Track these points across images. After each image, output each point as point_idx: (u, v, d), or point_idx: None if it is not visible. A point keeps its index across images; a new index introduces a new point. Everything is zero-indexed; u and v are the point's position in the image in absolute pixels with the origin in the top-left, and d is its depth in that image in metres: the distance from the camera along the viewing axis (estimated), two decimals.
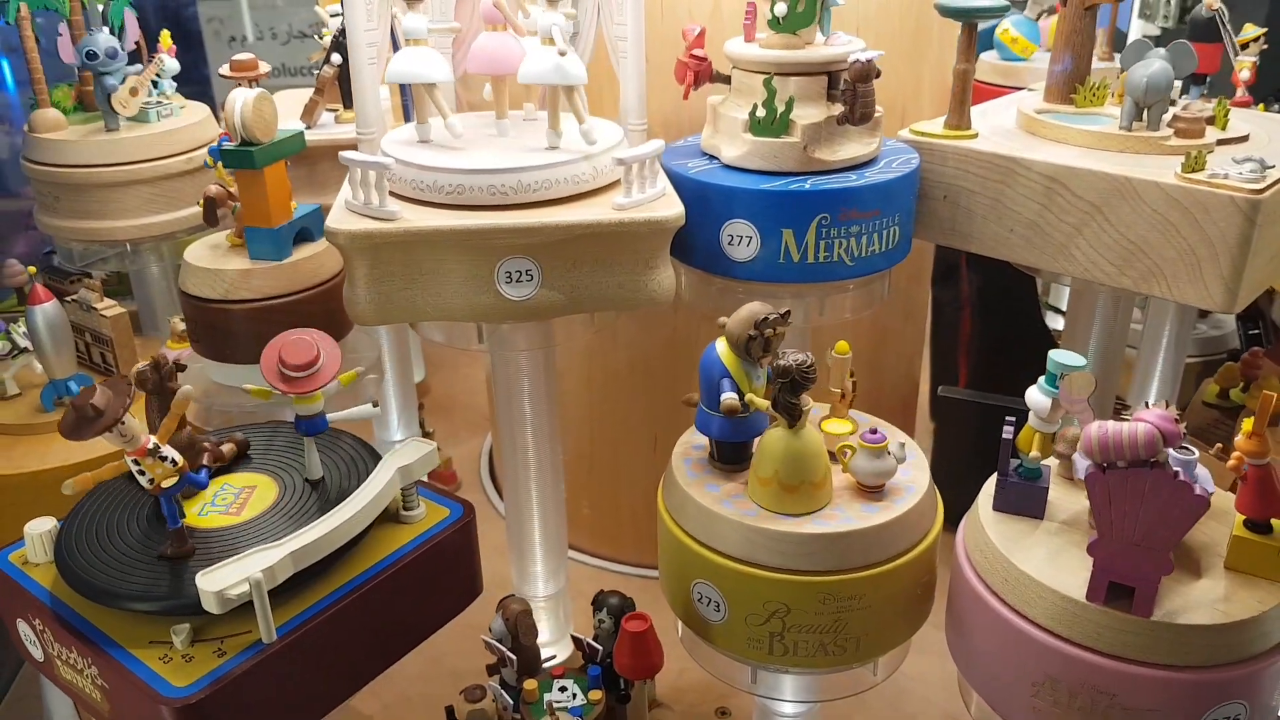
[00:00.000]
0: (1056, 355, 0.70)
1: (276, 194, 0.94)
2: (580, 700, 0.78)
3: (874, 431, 0.72)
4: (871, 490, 0.73)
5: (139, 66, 1.16)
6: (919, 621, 0.77)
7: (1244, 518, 0.66)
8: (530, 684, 0.78)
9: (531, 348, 0.86)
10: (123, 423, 0.64)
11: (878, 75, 0.82)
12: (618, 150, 0.77)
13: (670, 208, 0.78)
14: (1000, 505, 0.71)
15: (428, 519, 0.79)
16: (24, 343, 1.05)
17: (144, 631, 0.68)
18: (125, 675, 0.65)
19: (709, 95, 0.89)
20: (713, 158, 0.88)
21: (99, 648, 0.67)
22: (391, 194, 0.79)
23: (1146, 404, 0.64)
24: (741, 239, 0.83)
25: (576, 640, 0.81)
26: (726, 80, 0.89)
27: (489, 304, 0.77)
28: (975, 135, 0.90)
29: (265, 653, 0.66)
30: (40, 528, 0.74)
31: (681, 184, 0.84)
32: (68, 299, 1.08)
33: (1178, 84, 0.89)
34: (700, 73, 0.88)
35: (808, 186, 0.81)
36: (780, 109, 0.82)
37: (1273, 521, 0.65)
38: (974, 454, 1.14)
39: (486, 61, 0.83)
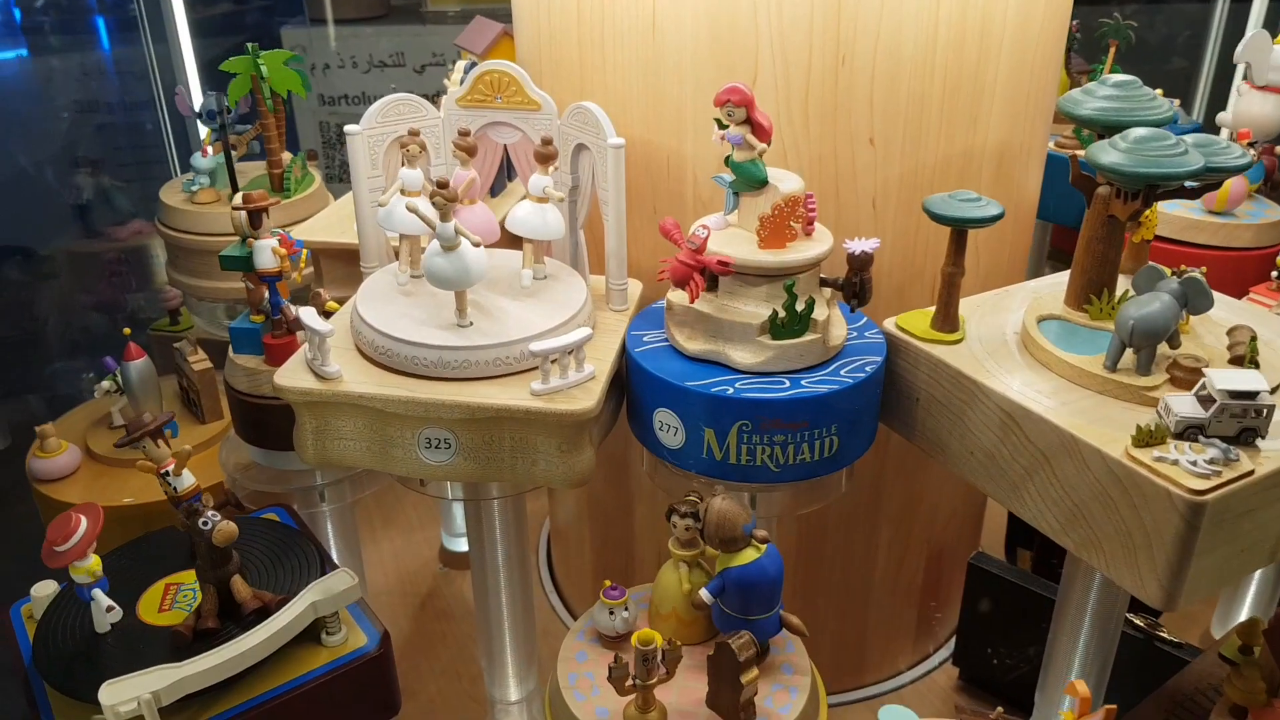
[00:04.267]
0: None
1: None
2: None
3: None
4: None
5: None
6: None
7: None
8: None
9: (470, 498, 0.91)
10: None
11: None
12: (533, 343, 0.79)
13: (585, 400, 0.79)
14: None
15: (346, 644, 0.86)
16: None
17: (78, 713, 0.80)
18: None
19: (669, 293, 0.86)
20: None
21: (39, 715, 0.80)
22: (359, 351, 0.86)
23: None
24: (669, 427, 0.82)
25: None
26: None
27: (413, 464, 0.82)
28: (960, 339, 0.84)
29: None
30: (43, 590, 0.89)
31: (629, 358, 0.85)
32: (174, 345, 1.25)
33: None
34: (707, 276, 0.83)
35: (730, 392, 0.79)
36: (801, 309, 0.81)
37: None
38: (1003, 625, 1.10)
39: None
